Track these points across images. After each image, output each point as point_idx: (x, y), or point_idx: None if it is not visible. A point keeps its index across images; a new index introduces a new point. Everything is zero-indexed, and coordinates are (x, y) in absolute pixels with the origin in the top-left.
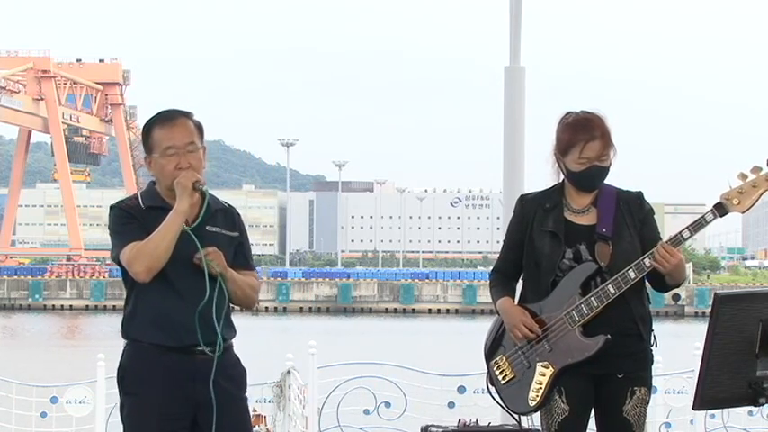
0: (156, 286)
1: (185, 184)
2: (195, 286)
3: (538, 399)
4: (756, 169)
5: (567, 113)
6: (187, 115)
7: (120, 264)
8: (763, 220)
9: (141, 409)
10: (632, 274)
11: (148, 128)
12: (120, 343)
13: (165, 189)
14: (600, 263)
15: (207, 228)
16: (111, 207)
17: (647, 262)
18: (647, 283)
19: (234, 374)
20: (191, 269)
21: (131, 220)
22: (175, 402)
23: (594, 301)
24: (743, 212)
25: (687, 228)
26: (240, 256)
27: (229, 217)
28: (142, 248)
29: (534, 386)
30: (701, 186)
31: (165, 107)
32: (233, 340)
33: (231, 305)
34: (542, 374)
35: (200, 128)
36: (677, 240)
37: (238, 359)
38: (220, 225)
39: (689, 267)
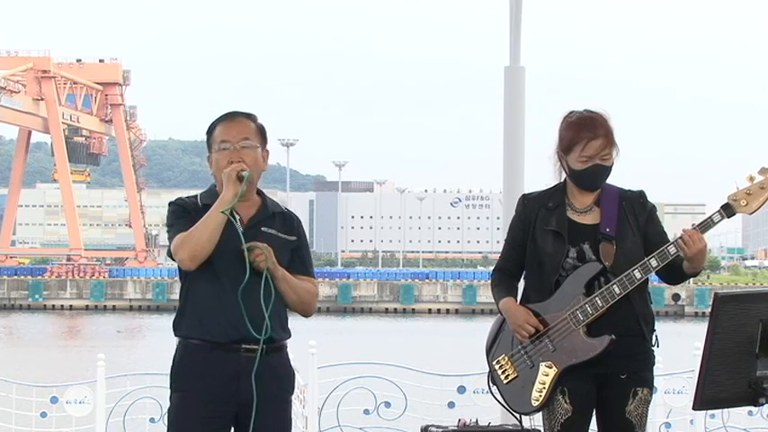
0: (206, 283)
1: (230, 174)
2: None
3: (541, 398)
4: (764, 170)
5: (571, 112)
6: (249, 116)
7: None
8: (763, 220)
9: (185, 406)
10: (638, 275)
11: (212, 127)
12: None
13: (220, 186)
14: (604, 263)
15: (262, 228)
16: (170, 203)
17: (654, 262)
18: (650, 282)
19: (282, 374)
20: (242, 267)
21: (185, 214)
22: (219, 399)
23: (599, 302)
24: (750, 213)
25: (695, 227)
26: (297, 261)
27: (288, 221)
28: (186, 237)
29: (537, 386)
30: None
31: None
32: (287, 342)
33: (288, 309)
34: (546, 374)
35: (261, 130)
36: (707, 225)
37: (289, 360)
38: (277, 228)
39: None
